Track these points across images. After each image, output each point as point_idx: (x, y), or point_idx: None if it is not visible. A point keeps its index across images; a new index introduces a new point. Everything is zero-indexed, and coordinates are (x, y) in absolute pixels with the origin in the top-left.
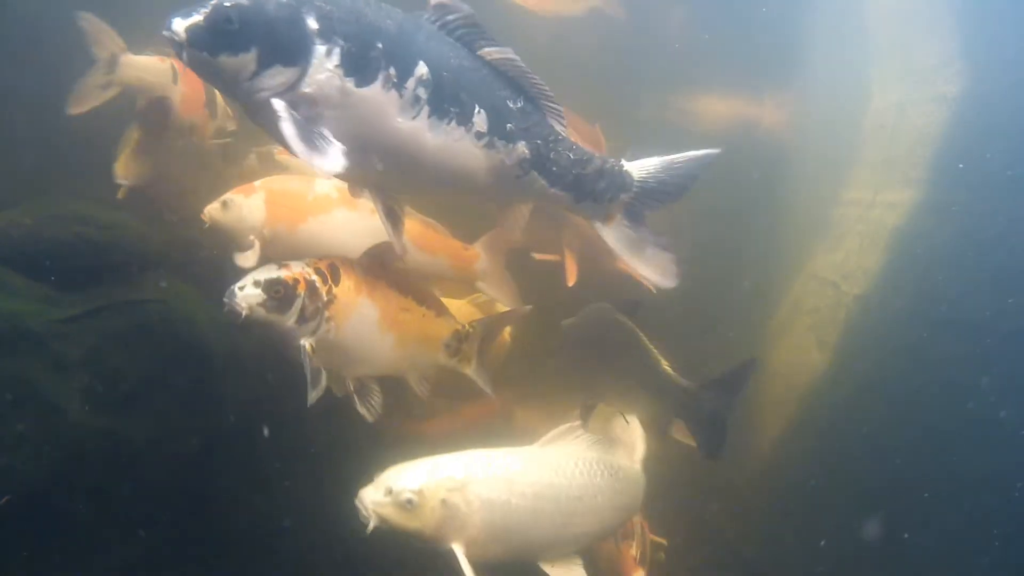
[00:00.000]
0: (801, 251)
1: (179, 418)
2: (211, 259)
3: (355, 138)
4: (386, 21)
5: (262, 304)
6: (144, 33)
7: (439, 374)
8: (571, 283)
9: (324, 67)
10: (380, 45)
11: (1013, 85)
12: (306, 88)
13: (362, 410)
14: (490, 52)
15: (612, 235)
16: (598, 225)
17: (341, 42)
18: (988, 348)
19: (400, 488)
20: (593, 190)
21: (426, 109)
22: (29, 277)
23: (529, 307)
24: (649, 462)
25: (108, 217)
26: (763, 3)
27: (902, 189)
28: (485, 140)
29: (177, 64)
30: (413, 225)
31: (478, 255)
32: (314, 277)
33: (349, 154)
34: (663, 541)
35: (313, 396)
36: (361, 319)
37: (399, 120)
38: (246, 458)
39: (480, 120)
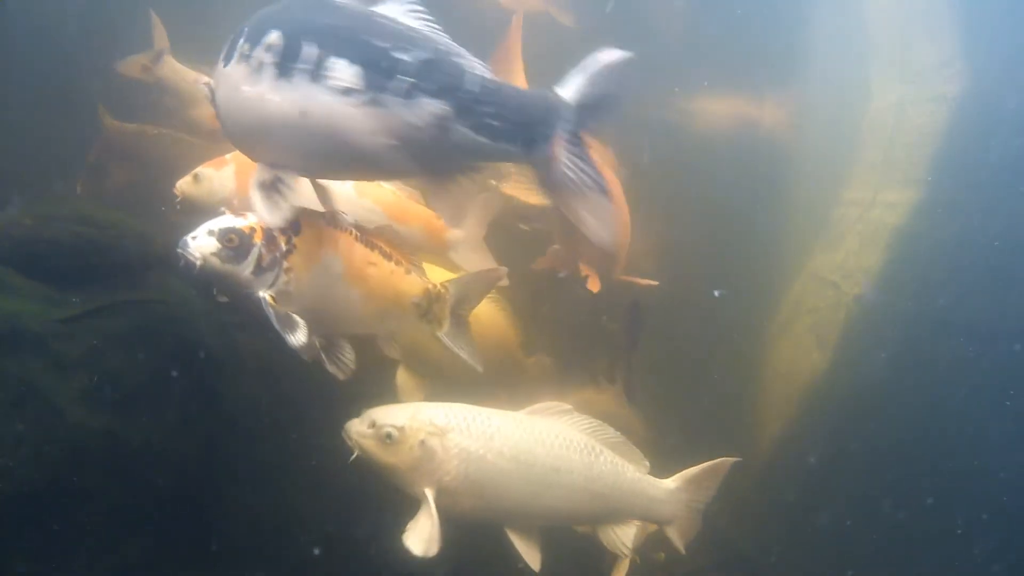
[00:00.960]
0: (801, 251)
1: (179, 418)
2: None
3: (228, 113)
4: (272, 7)
5: (216, 254)
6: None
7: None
8: (595, 291)
9: (220, 61)
10: (246, 28)
11: (1013, 85)
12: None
13: (332, 369)
14: (390, 7)
15: (555, 179)
16: (542, 175)
17: (231, 36)
18: (987, 348)
19: (383, 423)
20: (542, 133)
21: (270, 72)
22: (29, 277)
23: (505, 269)
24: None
25: (108, 217)
26: (763, 3)
27: (902, 189)
28: (364, 98)
29: None
30: (383, 193)
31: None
32: (273, 226)
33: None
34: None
35: (294, 340)
36: (324, 271)
37: (245, 88)
38: (246, 458)
39: (347, 75)
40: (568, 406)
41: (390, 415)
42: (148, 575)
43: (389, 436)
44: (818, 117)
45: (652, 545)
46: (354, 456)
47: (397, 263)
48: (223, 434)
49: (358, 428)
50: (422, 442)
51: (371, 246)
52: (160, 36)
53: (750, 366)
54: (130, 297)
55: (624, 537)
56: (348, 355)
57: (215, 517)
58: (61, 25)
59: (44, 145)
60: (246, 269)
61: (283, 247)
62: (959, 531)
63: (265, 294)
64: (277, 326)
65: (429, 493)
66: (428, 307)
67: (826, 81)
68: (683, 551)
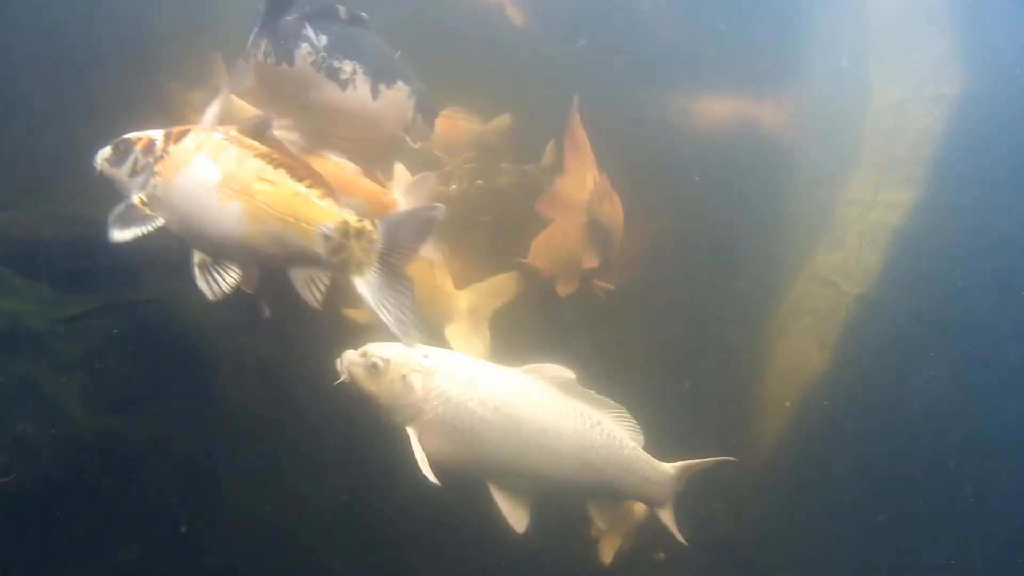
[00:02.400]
0: (801, 251)
1: (179, 418)
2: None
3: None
4: None
5: (107, 159)
6: None
7: None
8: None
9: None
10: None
11: (1013, 85)
12: None
13: (202, 285)
14: None
15: None
16: None
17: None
18: (987, 348)
19: (372, 353)
20: None
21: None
22: (29, 277)
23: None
24: (686, 475)
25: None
26: (763, 3)
27: (902, 189)
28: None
29: None
30: (326, 165)
31: (396, 202)
32: (159, 136)
33: None
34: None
35: (115, 233)
36: (192, 178)
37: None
38: (246, 458)
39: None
40: (569, 372)
41: (382, 348)
42: (148, 575)
43: (375, 366)
44: (818, 117)
45: (652, 545)
46: (339, 380)
47: (312, 187)
48: (223, 434)
49: (351, 356)
50: (404, 377)
51: (278, 164)
52: (219, 75)
53: (750, 366)
54: (130, 297)
55: (609, 514)
56: (228, 279)
57: (215, 517)
58: (63, 26)
59: (46, 146)
60: (124, 173)
61: (158, 154)
62: (956, 530)
63: (135, 196)
64: (111, 215)
65: (411, 431)
66: (342, 243)
67: (826, 81)
68: (677, 535)
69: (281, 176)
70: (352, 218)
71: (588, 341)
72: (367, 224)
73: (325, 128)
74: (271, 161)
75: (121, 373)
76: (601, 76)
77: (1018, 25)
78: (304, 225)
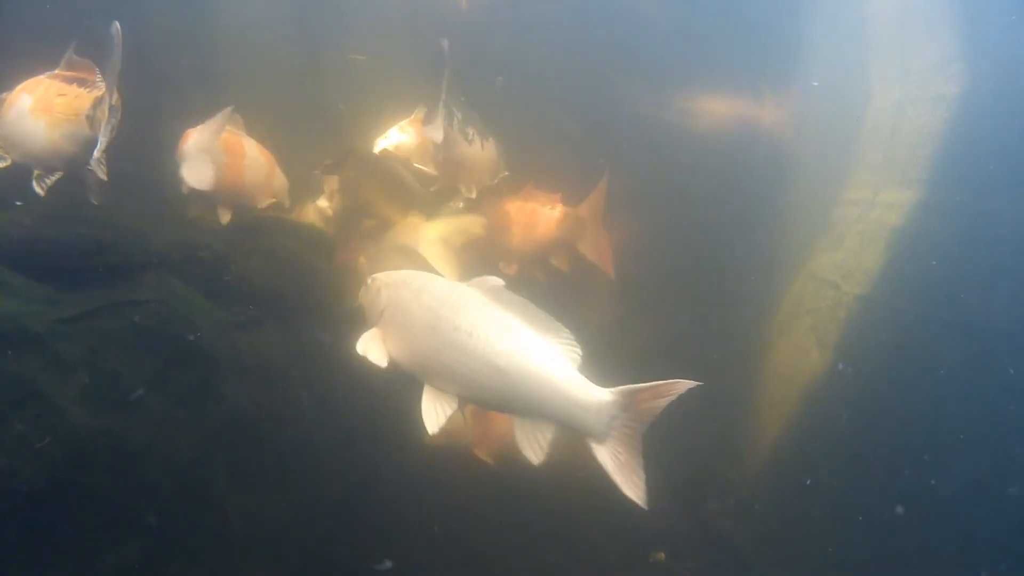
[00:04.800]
0: (801, 251)
1: (179, 418)
2: (211, 259)
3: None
4: None
5: None
6: None
7: None
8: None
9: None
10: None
11: (1013, 85)
12: None
13: (37, 189)
14: None
15: None
16: None
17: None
18: (987, 348)
19: (373, 275)
20: None
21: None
22: (29, 277)
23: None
24: (632, 402)
25: (108, 217)
26: (763, 2)
27: (902, 189)
28: None
29: None
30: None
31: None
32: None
33: None
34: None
35: None
36: (17, 112)
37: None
38: (246, 458)
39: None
40: (500, 281)
41: (379, 272)
42: (148, 575)
43: (367, 283)
44: (818, 117)
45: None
46: (359, 295)
47: (88, 88)
48: (223, 434)
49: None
50: (378, 289)
51: (73, 81)
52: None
53: (750, 366)
54: (130, 297)
55: (542, 439)
56: (51, 180)
57: (215, 517)
58: (61, 21)
59: None
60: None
61: (2, 104)
62: (957, 530)
63: None
64: None
65: (374, 330)
66: (95, 113)
67: (826, 81)
68: (617, 481)
69: (73, 89)
70: (100, 93)
71: (587, 340)
72: (98, 88)
73: (459, 167)
74: (70, 80)
75: (121, 373)
76: (599, 75)
77: (1018, 25)
78: (78, 115)
